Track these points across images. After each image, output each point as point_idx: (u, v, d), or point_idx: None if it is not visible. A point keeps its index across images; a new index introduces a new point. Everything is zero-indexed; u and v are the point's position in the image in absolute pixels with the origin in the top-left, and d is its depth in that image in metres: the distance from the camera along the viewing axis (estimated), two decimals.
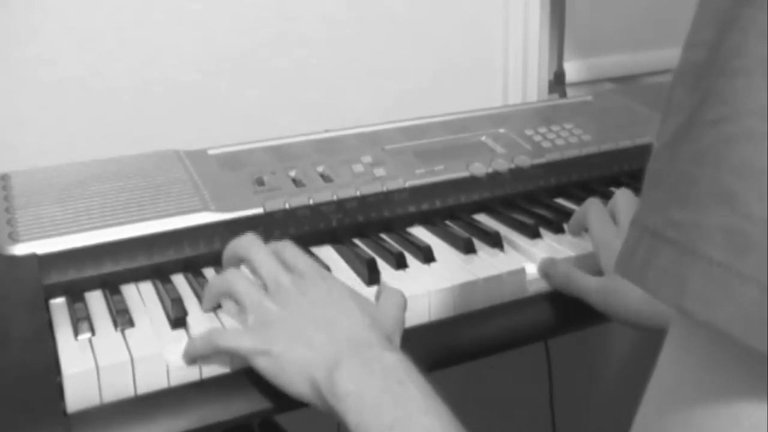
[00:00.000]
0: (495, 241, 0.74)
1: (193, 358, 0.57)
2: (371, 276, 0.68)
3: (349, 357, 0.52)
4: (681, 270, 0.27)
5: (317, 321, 0.55)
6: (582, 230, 0.75)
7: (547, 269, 0.69)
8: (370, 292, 0.64)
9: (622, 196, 0.72)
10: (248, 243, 0.62)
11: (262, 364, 0.54)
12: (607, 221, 0.70)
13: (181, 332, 0.60)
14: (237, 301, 0.59)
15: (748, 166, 0.26)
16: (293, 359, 0.53)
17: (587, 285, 0.66)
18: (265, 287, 0.58)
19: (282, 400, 0.55)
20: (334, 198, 0.76)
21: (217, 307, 0.63)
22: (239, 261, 0.62)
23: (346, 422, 0.49)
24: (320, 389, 0.51)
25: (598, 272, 0.68)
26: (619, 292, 0.63)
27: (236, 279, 0.59)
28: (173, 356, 0.57)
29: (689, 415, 0.29)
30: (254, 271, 0.60)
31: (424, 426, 0.47)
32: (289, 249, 0.61)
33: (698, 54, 0.29)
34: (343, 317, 0.55)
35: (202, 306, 0.63)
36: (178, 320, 0.61)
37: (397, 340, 0.58)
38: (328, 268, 0.68)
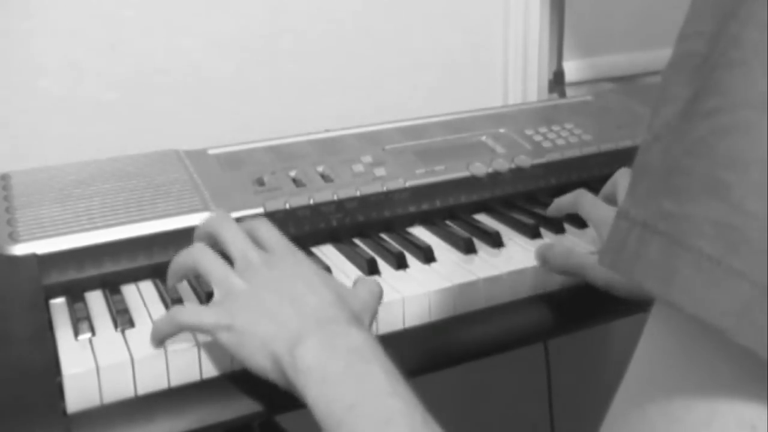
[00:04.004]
0: (495, 240, 0.74)
1: (158, 339, 0.56)
2: (371, 276, 0.68)
3: (312, 332, 0.50)
4: (670, 262, 0.27)
5: (283, 296, 0.54)
6: (562, 214, 0.78)
7: (544, 253, 0.68)
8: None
9: (623, 176, 0.73)
10: (219, 220, 0.60)
11: (225, 339, 0.53)
12: (600, 203, 0.71)
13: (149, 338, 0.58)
14: (203, 276, 0.58)
15: (742, 158, 0.26)
16: (255, 333, 0.52)
17: (588, 262, 0.65)
18: (233, 263, 0.57)
19: (282, 400, 0.55)
20: (335, 198, 0.76)
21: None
22: (210, 238, 0.61)
23: (306, 399, 0.48)
24: (282, 364, 0.50)
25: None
26: None
27: (202, 254, 0.58)
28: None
29: (668, 406, 0.28)
30: (224, 247, 0.59)
31: (387, 407, 0.46)
32: (262, 226, 0.60)
33: (694, 45, 0.29)
34: (310, 293, 0.54)
35: (167, 280, 0.62)
36: None
37: (366, 322, 0.56)
38: (328, 268, 0.68)
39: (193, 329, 0.56)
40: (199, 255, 0.58)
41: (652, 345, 0.30)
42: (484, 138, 0.90)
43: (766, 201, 0.25)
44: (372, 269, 0.69)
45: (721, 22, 0.28)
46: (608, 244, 0.31)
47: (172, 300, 0.63)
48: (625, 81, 1.26)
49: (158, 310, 0.63)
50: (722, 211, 0.26)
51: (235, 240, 0.58)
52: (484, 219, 0.82)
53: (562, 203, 0.77)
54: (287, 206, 0.74)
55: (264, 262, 0.56)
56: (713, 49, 0.28)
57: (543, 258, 0.69)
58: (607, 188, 0.76)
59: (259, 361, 0.52)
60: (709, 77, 0.27)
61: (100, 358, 0.55)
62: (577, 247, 0.73)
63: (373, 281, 0.60)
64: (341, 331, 0.51)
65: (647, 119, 0.31)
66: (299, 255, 0.59)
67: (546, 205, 0.84)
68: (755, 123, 0.25)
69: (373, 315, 0.58)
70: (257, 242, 0.59)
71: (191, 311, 0.56)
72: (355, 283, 0.61)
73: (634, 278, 0.29)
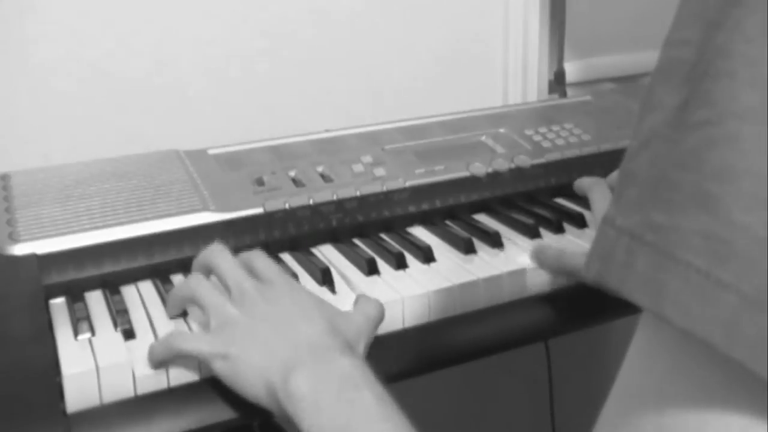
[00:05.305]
0: (495, 241, 0.74)
1: (155, 362, 0.56)
2: (371, 276, 0.68)
3: (305, 361, 0.51)
4: (658, 275, 0.27)
5: (277, 325, 0.55)
6: (582, 194, 0.81)
7: (538, 255, 0.69)
8: (367, 286, 0.64)
9: None
10: (215, 252, 0.61)
11: (220, 368, 0.54)
12: (609, 198, 0.72)
13: (149, 338, 0.59)
14: (200, 306, 0.59)
15: (731, 170, 0.25)
16: (250, 362, 0.53)
17: (579, 262, 0.65)
18: (229, 293, 0.58)
19: None
20: (334, 198, 0.76)
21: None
22: (207, 270, 0.62)
23: (300, 426, 0.49)
24: (276, 393, 0.51)
25: None
26: None
27: (199, 284, 0.59)
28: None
29: (658, 416, 0.28)
30: (220, 278, 0.60)
31: None
32: (258, 258, 0.61)
33: (681, 53, 0.29)
34: (303, 322, 0.55)
35: (166, 312, 0.63)
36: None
37: (360, 349, 0.57)
38: (328, 269, 0.68)
39: (190, 356, 0.56)
40: (195, 285, 0.59)
41: (641, 356, 0.30)
42: (483, 138, 0.90)
43: (754, 213, 0.25)
44: (372, 269, 0.69)
45: (708, 31, 0.27)
46: (594, 251, 0.30)
47: None
48: (625, 81, 1.26)
49: (158, 310, 0.63)
50: (711, 224, 0.26)
51: (230, 270, 0.59)
52: (483, 219, 0.82)
53: (581, 184, 0.81)
54: (287, 206, 0.74)
55: (259, 292, 0.57)
56: (701, 59, 0.27)
57: (537, 261, 0.69)
58: (611, 178, 0.78)
59: (253, 389, 0.53)
60: (698, 87, 0.27)
61: (99, 358, 0.55)
62: (575, 246, 0.73)
63: (373, 303, 0.60)
64: (333, 360, 0.52)
65: (633, 124, 0.31)
66: (295, 284, 0.60)
67: (546, 205, 0.84)
68: (744, 135, 0.25)
69: (369, 340, 0.58)
70: (253, 273, 0.60)
71: (188, 338, 0.56)
72: (356, 302, 0.61)
73: (622, 290, 0.28)
